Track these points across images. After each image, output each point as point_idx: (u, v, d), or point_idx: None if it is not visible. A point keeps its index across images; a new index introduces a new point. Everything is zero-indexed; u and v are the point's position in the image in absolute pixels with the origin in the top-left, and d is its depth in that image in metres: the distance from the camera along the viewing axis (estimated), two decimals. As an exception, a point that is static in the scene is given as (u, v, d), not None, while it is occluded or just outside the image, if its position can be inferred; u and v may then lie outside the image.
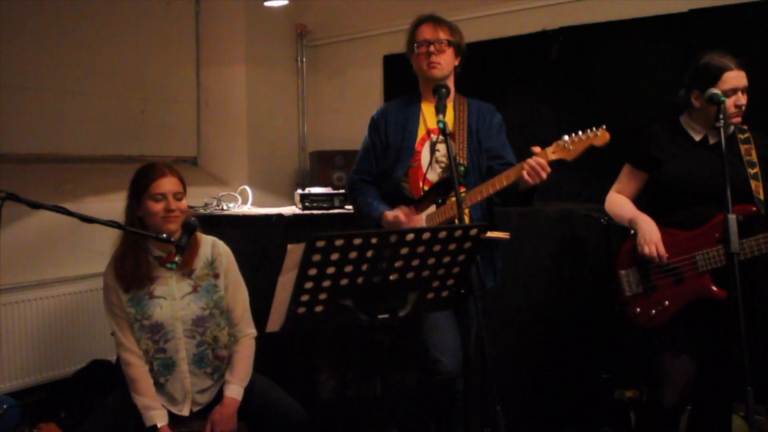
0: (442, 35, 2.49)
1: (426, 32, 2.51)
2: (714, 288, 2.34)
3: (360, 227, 2.60)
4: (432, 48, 2.47)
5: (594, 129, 2.18)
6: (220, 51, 4.62)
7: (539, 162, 2.18)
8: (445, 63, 2.49)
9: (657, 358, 2.44)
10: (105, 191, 3.76)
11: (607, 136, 2.18)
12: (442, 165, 2.48)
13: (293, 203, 3.81)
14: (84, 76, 3.92)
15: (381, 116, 2.63)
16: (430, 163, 2.49)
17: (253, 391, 2.38)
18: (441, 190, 2.44)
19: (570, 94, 3.79)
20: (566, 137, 2.20)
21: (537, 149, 2.21)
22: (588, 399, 3.19)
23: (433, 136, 2.51)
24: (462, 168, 2.41)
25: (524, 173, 2.19)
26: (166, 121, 4.44)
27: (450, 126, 2.45)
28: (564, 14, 3.81)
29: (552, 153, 2.21)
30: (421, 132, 2.53)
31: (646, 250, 2.39)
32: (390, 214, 2.42)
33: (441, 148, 2.48)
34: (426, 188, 2.48)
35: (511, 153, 2.58)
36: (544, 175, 2.19)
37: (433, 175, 2.49)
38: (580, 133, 2.19)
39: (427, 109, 2.55)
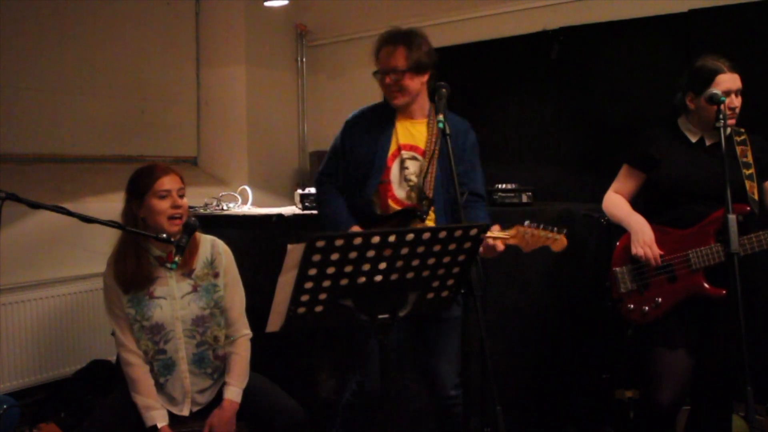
0: (399, 62, 2.36)
1: (383, 59, 2.38)
2: (707, 286, 2.36)
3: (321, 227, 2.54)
4: (388, 79, 2.38)
5: (556, 231, 2.14)
6: (220, 51, 4.61)
7: (497, 245, 2.17)
8: (407, 89, 2.38)
9: (652, 355, 2.45)
10: (105, 191, 3.76)
11: (565, 242, 2.15)
12: (411, 183, 2.44)
13: (293, 203, 3.80)
14: (84, 76, 3.92)
15: (356, 122, 2.54)
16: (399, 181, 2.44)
17: (252, 391, 2.38)
18: (403, 219, 2.40)
19: (570, 94, 3.79)
20: (528, 226, 2.16)
21: (497, 228, 2.18)
22: (588, 399, 3.19)
23: (404, 153, 2.45)
24: (425, 201, 2.38)
25: (480, 249, 2.07)
26: (166, 121, 4.44)
27: (422, 146, 2.44)
28: (564, 14, 3.81)
29: (512, 238, 2.19)
30: (393, 147, 2.46)
31: (640, 252, 2.41)
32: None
33: (410, 165, 2.44)
34: (394, 206, 2.44)
35: (479, 179, 2.49)
36: (497, 254, 2.19)
37: (401, 193, 2.46)
38: (542, 227, 2.15)
39: (401, 124, 2.47)
